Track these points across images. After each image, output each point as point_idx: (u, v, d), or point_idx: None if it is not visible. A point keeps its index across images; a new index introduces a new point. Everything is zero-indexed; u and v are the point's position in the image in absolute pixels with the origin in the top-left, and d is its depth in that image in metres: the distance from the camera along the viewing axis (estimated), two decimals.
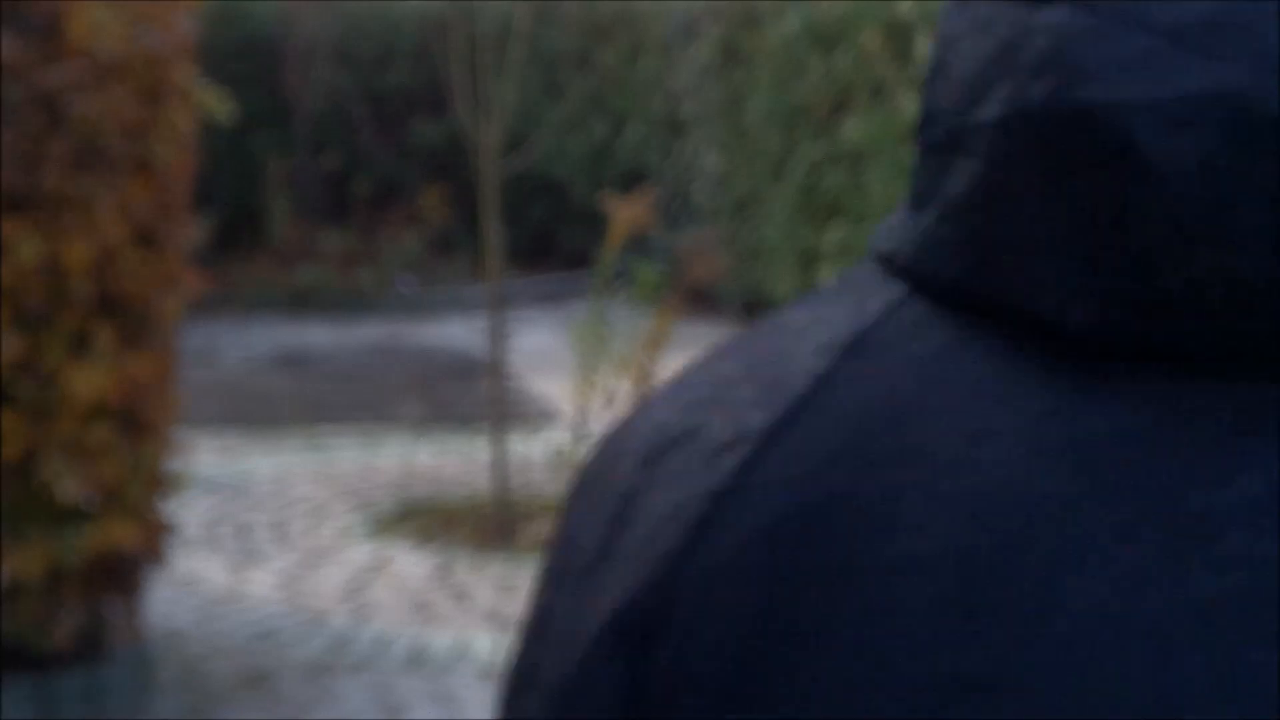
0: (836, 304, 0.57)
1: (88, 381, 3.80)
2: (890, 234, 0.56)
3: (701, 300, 11.48)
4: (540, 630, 0.58)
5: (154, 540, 4.08)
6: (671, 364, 9.01)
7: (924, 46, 7.34)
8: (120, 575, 4.04)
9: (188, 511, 6.40)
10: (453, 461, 7.38)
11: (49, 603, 3.89)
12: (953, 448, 0.52)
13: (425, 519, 6.48)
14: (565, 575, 0.58)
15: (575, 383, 6.59)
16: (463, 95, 6.72)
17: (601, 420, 7.39)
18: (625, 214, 6.31)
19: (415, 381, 9.05)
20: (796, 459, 0.54)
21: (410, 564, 5.90)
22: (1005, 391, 0.52)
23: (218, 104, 4.42)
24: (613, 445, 0.59)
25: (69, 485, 3.73)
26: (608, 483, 0.58)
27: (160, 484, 4.11)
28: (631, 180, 13.21)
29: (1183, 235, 0.49)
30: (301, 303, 11.33)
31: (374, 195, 12.98)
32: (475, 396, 7.40)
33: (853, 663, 0.50)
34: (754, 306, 10.43)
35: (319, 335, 10.42)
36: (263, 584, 5.61)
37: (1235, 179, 0.49)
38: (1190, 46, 0.50)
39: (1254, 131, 0.49)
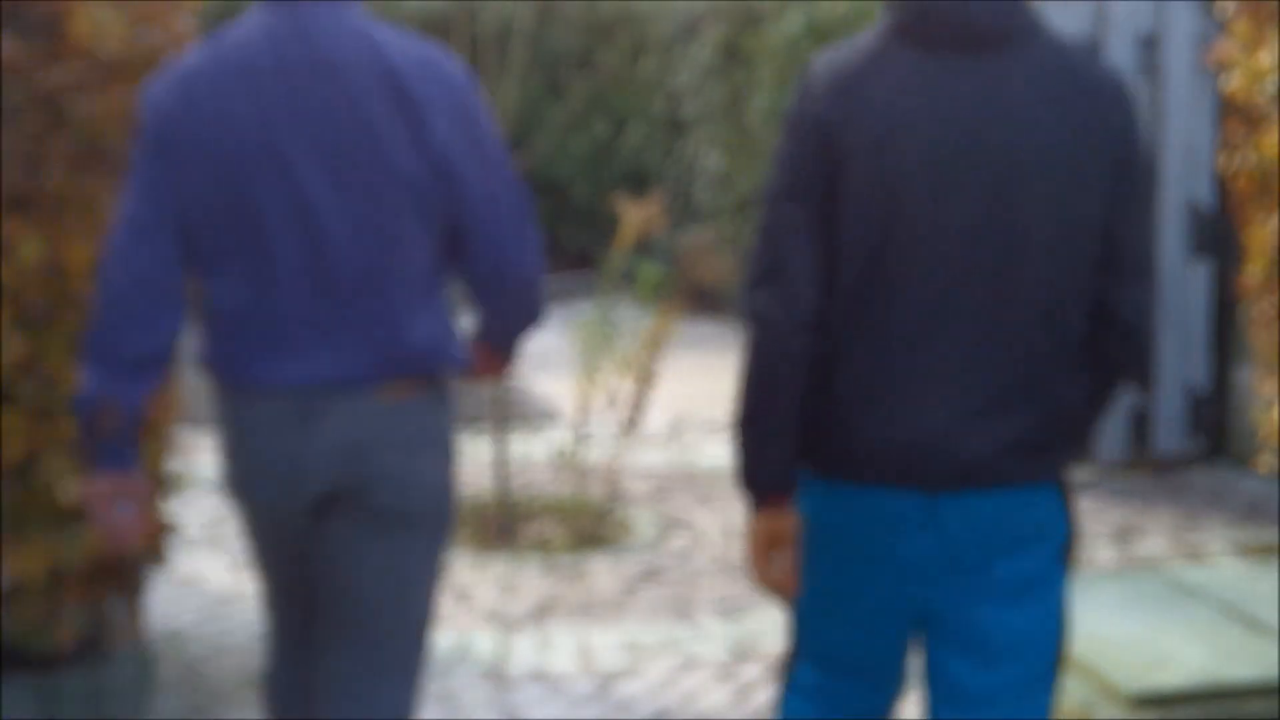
0: (864, 35, 2.48)
1: None
2: (880, 13, 2.48)
3: (703, 300, 11.47)
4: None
5: (155, 540, 4.08)
6: (673, 363, 9.01)
7: None
8: (122, 575, 4.03)
9: (189, 511, 6.41)
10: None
11: (50, 603, 3.89)
12: (887, 87, 2.38)
13: None
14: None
15: (577, 382, 6.59)
16: None
17: (603, 420, 7.39)
18: (635, 216, 6.30)
19: None
20: (821, 88, 2.43)
21: None
22: (917, 66, 2.39)
23: None
24: (801, 90, 2.47)
25: (70, 486, 3.72)
26: (798, 104, 2.46)
27: (161, 484, 4.11)
28: (632, 180, 13.21)
29: None
30: None
31: None
32: (477, 396, 7.40)
33: (874, 137, 2.38)
34: None
35: None
36: None
37: None
38: None
39: None
